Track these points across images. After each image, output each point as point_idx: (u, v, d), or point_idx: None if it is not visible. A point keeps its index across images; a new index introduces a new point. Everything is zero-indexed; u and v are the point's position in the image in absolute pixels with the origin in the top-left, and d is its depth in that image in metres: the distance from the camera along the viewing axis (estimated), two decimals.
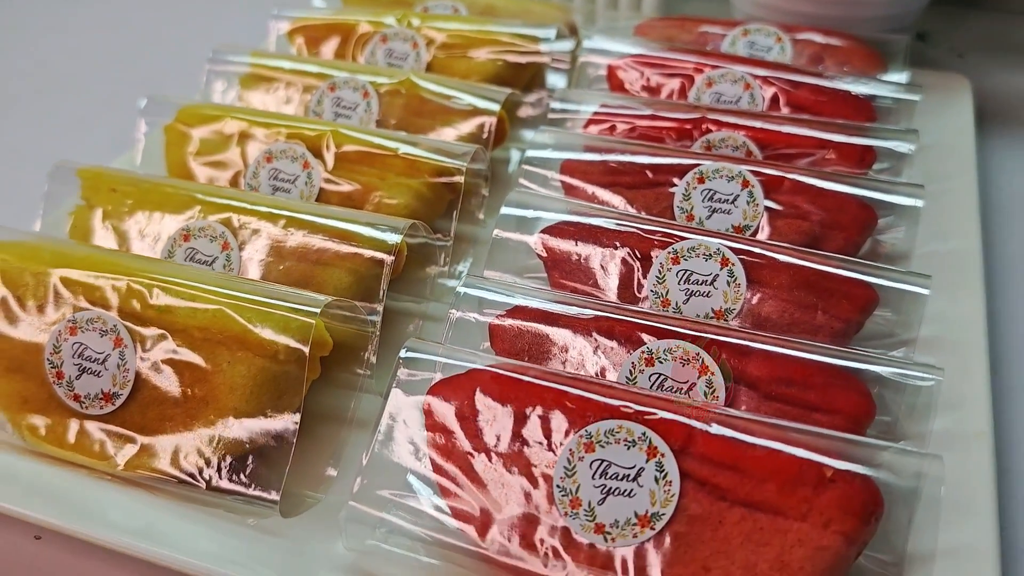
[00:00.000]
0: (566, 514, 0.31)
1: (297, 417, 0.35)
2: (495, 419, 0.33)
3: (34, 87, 0.73)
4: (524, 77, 0.58)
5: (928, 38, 0.73)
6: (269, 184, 0.47)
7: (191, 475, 0.36)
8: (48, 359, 0.38)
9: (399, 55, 0.58)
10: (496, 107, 0.51)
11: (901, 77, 0.57)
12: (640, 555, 0.30)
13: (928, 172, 0.52)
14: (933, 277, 0.41)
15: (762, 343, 0.36)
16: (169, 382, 0.36)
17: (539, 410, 0.33)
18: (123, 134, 0.64)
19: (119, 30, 0.81)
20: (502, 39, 0.57)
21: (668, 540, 0.30)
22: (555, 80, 0.59)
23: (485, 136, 0.51)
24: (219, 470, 0.36)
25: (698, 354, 0.36)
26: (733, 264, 0.40)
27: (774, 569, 0.29)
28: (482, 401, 0.33)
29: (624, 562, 0.30)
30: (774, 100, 0.53)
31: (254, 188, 0.48)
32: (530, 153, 0.49)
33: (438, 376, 0.35)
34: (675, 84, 0.54)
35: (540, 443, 0.32)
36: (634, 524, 0.30)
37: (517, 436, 0.33)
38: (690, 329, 0.37)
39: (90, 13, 0.84)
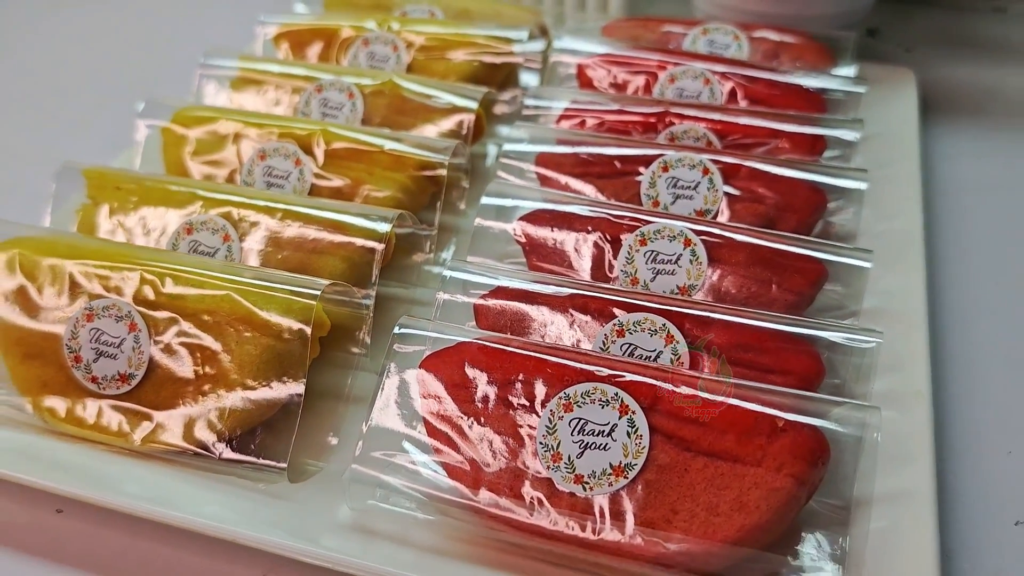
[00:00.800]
0: (548, 467, 0.35)
1: (301, 390, 0.39)
2: (483, 385, 0.36)
3: (27, 89, 0.75)
4: (499, 76, 0.62)
5: (877, 34, 0.78)
6: (264, 180, 0.51)
7: (204, 447, 0.39)
8: (67, 344, 0.41)
9: (380, 57, 0.61)
10: (474, 105, 0.55)
11: (850, 71, 0.61)
12: (615, 501, 0.34)
13: (875, 158, 0.56)
14: (878, 253, 0.46)
15: (722, 314, 0.40)
16: (181, 362, 0.39)
17: (522, 376, 0.36)
18: (117, 134, 0.67)
19: (110, 34, 0.84)
20: (478, 41, 0.60)
21: (640, 487, 0.34)
22: (528, 79, 0.62)
23: (464, 132, 0.54)
24: (230, 442, 0.39)
25: (664, 325, 0.40)
26: (695, 244, 0.44)
27: (733, 509, 0.33)
28: (471, 370, 0.37)
29: (601, 508, 0.34)
30: (732, 94, 0.56)
31: (249, 184, 0.51)
32: (507, 147, 0.52)
33: (428, 350, 0.38)
34: (640, 81, 0.58)
35: (524, 406, 0.36)
36: (609, 474, 0.34)
37: (503, 400, 0.36)
38: (657, 303, 0.41)
39: (81, 18, 0.86)
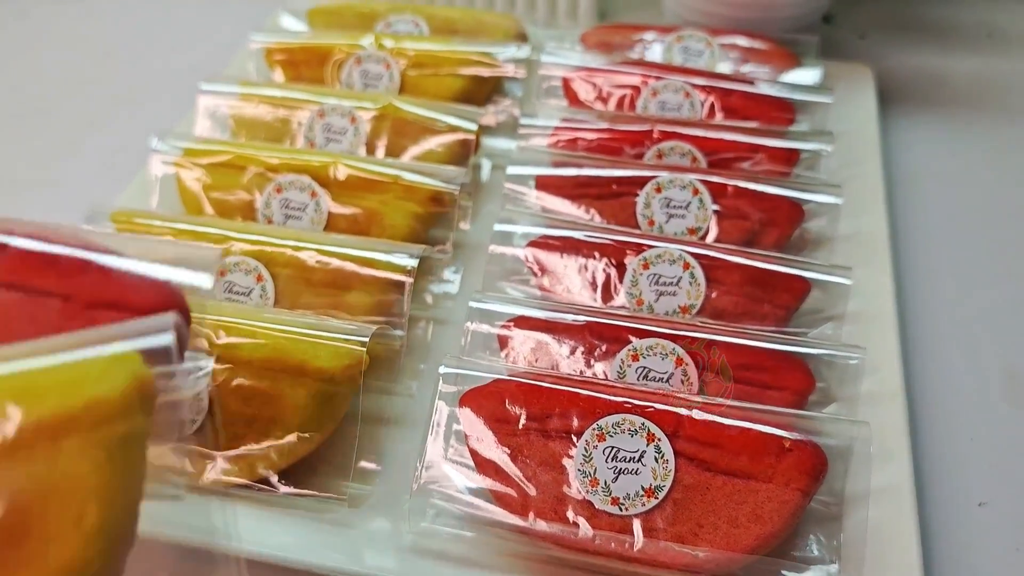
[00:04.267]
0: (588, 492, 0.40)
1: (351, 426, 0.43)
2: (523, 419, 0.41)
3: (15, 110, 0.75)
4: (487, 89, 0.65)
5: (832, 20, 0.82)
6: (282, 213, 0.54)
7: (266, 482, 0.43)
8: None
9: (374, 75, 0.63)
10: (474, 127, 0.58)
11: (814, 73, 0.66)
12: (649, 519, 0.39)
13: (840, 160, 0.61)
14: (847, 256, 0.52)
15: (724, 335, 0.45)
16: (239, 407, 0.43)
17: (557, 410, 0.41)
18: (113, 155, 0.68)
19: (92, 45, 0.83)
20: (468, 57, 0.63)
21: (669, 506, 0.39)
22: (514, 88, 0.66)
23: (467, 155, 0.58)
24: (288, 476, 0.43)
25: (673, 349, 0.45)
26: (693, 267, 0.49)
27: (750, 521, 0.39)
28: (511, 407, 0.41)
29: (637, 526, 0.39)
30: (711, 105, 0.61)
31: (268, 217, 0.54)
32: (510, 170, 0.56)
33: (467, 387, 0.43)
34: (624, 93, 0.62)
35: (561, 436, 0.41)
36: (642, 496, 0.39)
37: (541, 432, 0.41)
38: (666, 328, 0.45)
39: (58, 26, 0.86)
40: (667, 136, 0.57)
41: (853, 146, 0.63)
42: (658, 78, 0.61)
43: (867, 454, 0.40)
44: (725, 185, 0.53)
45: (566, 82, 0.64)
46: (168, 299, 0.26)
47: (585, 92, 0.63)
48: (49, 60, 0.81)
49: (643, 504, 0.39)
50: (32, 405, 0.20)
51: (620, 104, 0.62)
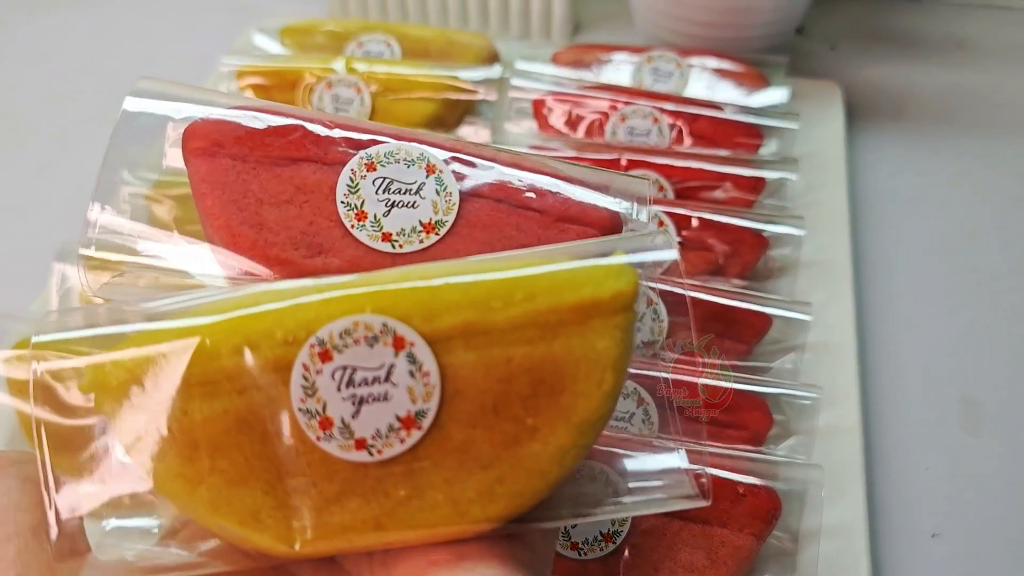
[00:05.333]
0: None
1: None
2: None
3: None
4: (459, 111, 0.65)
5: (804, 30, 0.83)
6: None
7: None
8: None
9: (345, 100, 0.64)
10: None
11: (782, 93, 0.66)
12: (607, 564, 0.40)
13: (806, 183, 0.62)
14: (809, 282, 0.54)
15: (687, 375, 0.46)
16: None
17: None
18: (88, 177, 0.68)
19: (70, 64, 0.83)
20: (439, 81, 0.64)
21: (627, 550, 0.40)
22: (486, 109, 0.66)
23: None
24: None
25: (635, 389, 0.46)
26: (657, 304, 0.50)
27: (706, 566, 0.40)
28: None
29: (596, 571, 0.40)
30: (678, 131, 0.61)
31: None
32: None
33: None
34: (594, 118, 0.62)
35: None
36: (600, 541, 0.40)
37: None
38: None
39: (37, 48, 0.85)
40: (634, 164, 0.58)
41: (819, 170, 0.64)
42: (627, 103, 0.62)
43: (819, 497, 0.42)
44: (689, 217, 0.54)
45: (537, 105, 0.64)
46: (615, 218, 0.32)
47: (555, 116, 0.63)
48: (19, 77, 0.81)
49: (600, 549, 0.40)
50: (572, 293, 0.25)
51: (590, 129, 0.63)
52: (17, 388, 0.46)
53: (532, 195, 0.32)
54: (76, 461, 0.27)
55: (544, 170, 0.32)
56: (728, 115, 0.62)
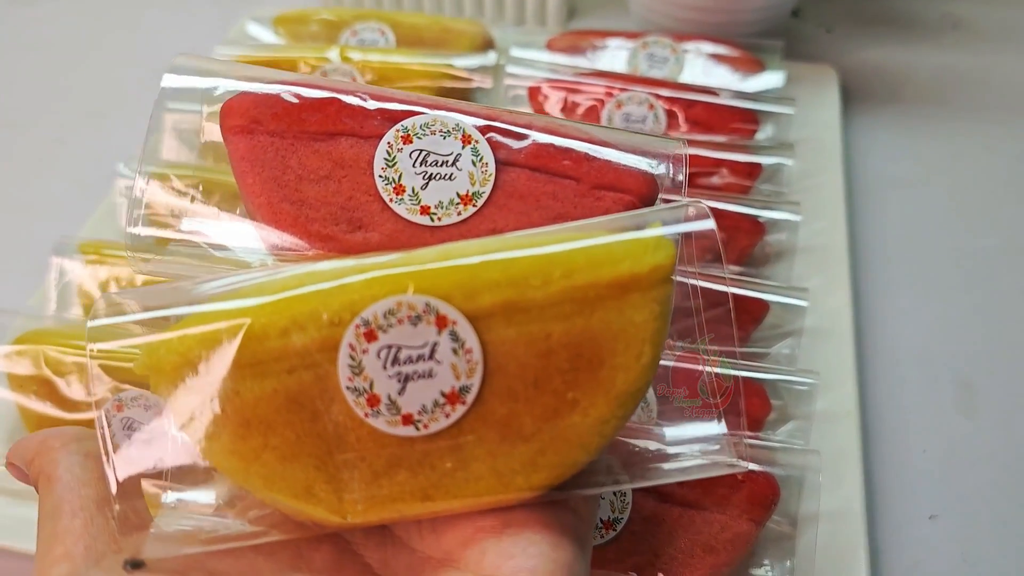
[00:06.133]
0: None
1: None
2: None
3: None
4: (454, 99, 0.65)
5: (800, 13, 0.83)
6: None
7: None
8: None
9: None
10: None
11: (778, 77, 0.66)
12: (604, 551, 0.40)
13: (803, 168, 0.62)
14: (806, 268, 0.54)
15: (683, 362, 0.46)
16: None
17: None
18: (83, 171, 0.68)
19: (63, 56, 0.83)
20: (433, 69, 0.64)
21: (627, 537, 0.41)
22: (479, 96, 0.66)
23: None
24: None
25: None
26: None
27: (705, 552, 0.40)
28: None
29: (597, 558, 0.41)
30: (674, 117, 0.61)
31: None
32: None
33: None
34: (589, 104, 0.62)
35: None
36: (600, 528, 0.41)
37: None
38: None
39: (28, 40, 0.85)
40: None
41: (815, 154, 0.64)
42: (623, 89, 0.62)
43: (817, 482, 0.42)
44: None
45: (532, 92, 0.64)
46: (652, 186, 0.32)
47: (551, 103, 0.63)
48: (11, 70, 0.80)
49: (601, 536, 0.41)
50: (610, 268, 0.26)
51: (586, 116, 0.62)
52: (18, 383, 0.46)
53: (568, 162, 0.32)
54: (135, 439, 0.28)
55: (579, 135, 0.33)
56: (724, 101, 0.62)
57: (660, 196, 0.33)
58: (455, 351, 0.25)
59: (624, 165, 0.32)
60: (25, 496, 0.45)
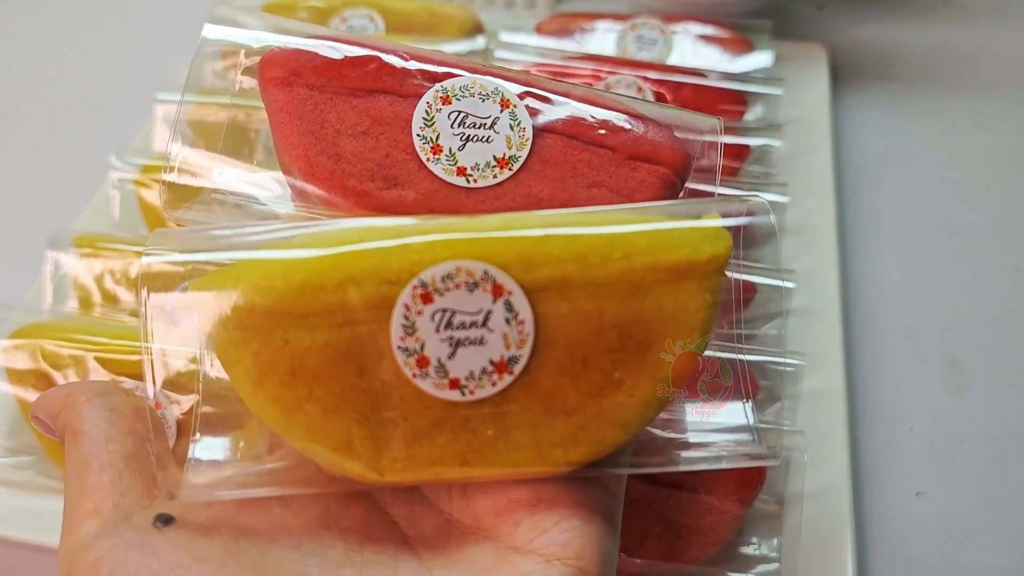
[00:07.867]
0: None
1: None
2: None
3: None
4: None
5: None
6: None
7: None
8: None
9: None
10: None
11: (767, 57, 0.67)
12: None
13: (791, 147, 0.62)
14: (794, 248, 0.55)
15: None
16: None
17: None
18: (75, 162, 0.69)
19: (52, 44, 0.83)
20: None
21: None
22: None
23: None
24: None
25: None
26: None
27: (692, 532, 0.41)
28: None
29: None
30: (662, 99, 0.61)
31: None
32: None
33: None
34: None
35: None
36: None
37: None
38: None
39: (15, 28, 0.85)
40: None
41: (804, 134, 0.65)
42: (611, 72, 0.62)
43: (803, 462, 0.43)
44: None
45: None
46: (686, 159, 0.33)
47: None
48: (1, 60, 0.80)
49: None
50: (669, 254, 0.26)
51: None
52: (16, 377, 0.47)
53: (604, 132, 0.32)
54: (174, 381, 0.28)
55: (616, 106, 0.33)
56: (712, 82, 0.62)
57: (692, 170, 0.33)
58: (508, 321, 0.26)
59: (660, 138, 0.32)
60: (26, 487, 0.46)
